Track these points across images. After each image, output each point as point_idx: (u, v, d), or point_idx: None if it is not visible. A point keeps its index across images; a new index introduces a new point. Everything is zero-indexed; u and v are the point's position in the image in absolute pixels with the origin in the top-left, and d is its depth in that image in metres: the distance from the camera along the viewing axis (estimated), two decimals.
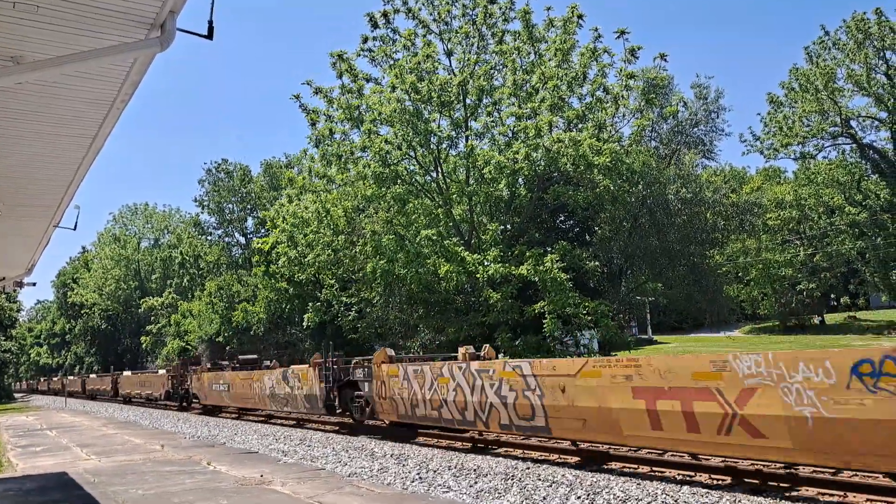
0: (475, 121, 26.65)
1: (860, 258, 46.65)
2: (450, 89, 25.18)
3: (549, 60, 25.37)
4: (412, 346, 28.66)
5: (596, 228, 29.65)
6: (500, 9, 26.01)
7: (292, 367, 19.34)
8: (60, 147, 7.49)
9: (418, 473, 9.80)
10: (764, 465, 8.34)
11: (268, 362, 24.95)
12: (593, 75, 24.98)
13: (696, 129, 46.02)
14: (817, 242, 47.74)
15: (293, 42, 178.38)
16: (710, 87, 47.25)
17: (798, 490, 7.72)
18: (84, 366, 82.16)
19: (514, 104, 25.48)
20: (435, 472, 9.90)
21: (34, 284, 16.77)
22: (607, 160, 22.93)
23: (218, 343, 48.33)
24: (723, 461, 8.68)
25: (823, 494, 7.50)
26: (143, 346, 70.49)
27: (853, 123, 43.67)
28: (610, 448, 10.19)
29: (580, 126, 25.17)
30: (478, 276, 23.21)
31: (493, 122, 26.30)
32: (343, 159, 26.09)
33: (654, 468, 9.38)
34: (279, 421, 20.64)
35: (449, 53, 26.80)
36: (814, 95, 42.05)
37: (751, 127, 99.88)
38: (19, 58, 5.44)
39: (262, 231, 49.47)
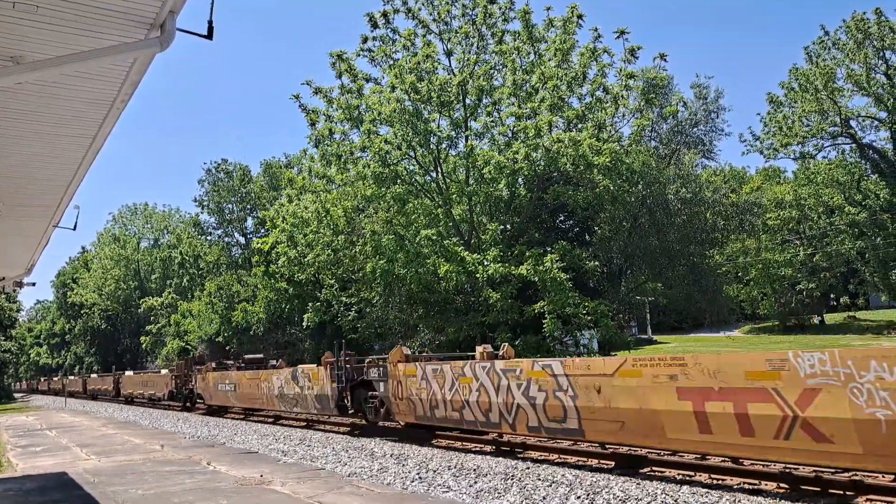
0: (475, 121, 26.66)
1: (860, 258, 46.66)
2: (449, 89, 25.19)
3: (549, 60, 25.38)
4: (412, 346, 28.66)
5: (596, 228, 29.66)
6: (500, 9, 26.02)
7: (302, 366, 18.85)
8: (60, 147, 7.49)
9: (418, 473, 9.80)
10: (824, 472, 7.83)
11: (274, 362, 24.44)
12: (593, 75, 25.01)
13: (695, 129, 46.02)
14: (817, 242, 47.76)
15: (293, 42, 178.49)
16: (710, 86, 47.28)
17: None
18: (84, 366, 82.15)
19: (513, 104, 25.48)
20: (435, 471, 9.90)
21: (34, 284, 16.80)
22: (607, 160, 22.94)
23: (217, 343, 48.35)
24: (784, 468, 8.05)
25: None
26: (143, 346, 70.51)
27: (853, 123, 43.71)
28: (648, 452, 9.74)
29: (580, 126, 25.17)
30: (477, 276, 23.22)
31: (492, 122, 26.30)
32: (343, 159, 26.10)
33: (654, 468, 9.38)
34: (288, 422, 20.08)
35: (448, 53, 26.81)
36: (813, 95, 42.07)
37: (750, 127, 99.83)
38: (19, 58, 5.44)
39: (262, 231, 49.48)
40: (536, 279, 22.31)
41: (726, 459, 8.56)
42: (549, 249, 24.11)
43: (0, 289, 17.16)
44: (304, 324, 33.59)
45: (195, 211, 79.11)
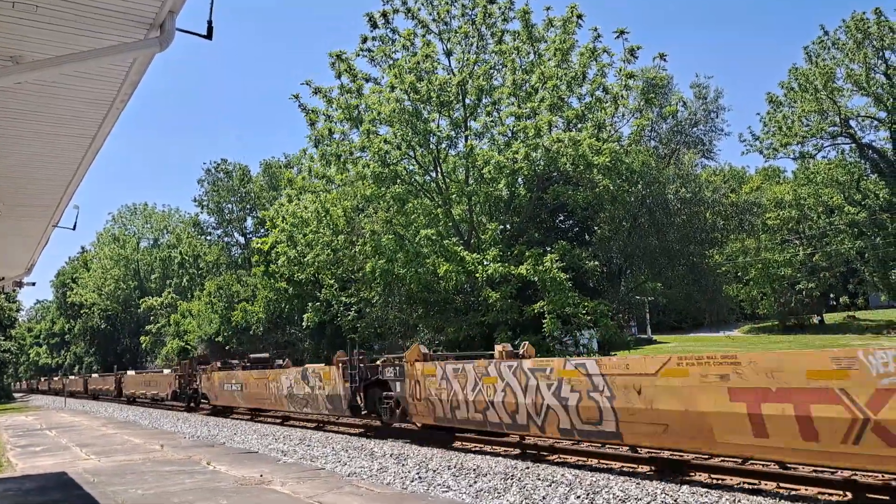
0: (475, 121, 26.67)
1: (859, 258, 46.69)
2: (449, 89, 25.19)
3: (549, 60, 25.38)
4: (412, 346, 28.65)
5: (595, 228, 29.67)
6: (500, 8, 26.02)
7: (312, 365, 18.43)
8: (60, 147, 7.49)
9: (418, 473, 9.80)
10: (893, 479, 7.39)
11: (280, 361, 24.20)
12: (593, 75, 25.01)
13: (695, 128, 46.03)
14: (816, 242, 47.77)
15: (292, 42, 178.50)
16: (710, 86, 47.30)
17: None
18: (83, 366, 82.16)
19: (513, 104, 25.49)
20: (434, 471, 9.90)
21: (33, 284, 16.82)
22: (607, 160, 22.95)
23: (217, 343, 48.35)
24: (853, 474, 7.63)
25: None
26: (143, 346, 70.53)
27: (852, 123, 43.72)
28: (692, 457, 9.15)
29: (580, 126, 25.18)
30: (477, 275, 23.22)
31: (492, 121, 26.30)
32: (342, 159, 26.10)
33: (654, 467, 9.36)
34: (300, 423, 19.63)
35: (448, 53, 26.81)
36: (813, 95, 42.08)
37: (750, 127, 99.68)
38: (18, 58, 5.44)
39: (262, 231, 49.50)
40: (536, 279, 22.31)
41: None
42: (548, 249, 24.11)
43: (0, 288, 17.16)
44: (304, 324, 33.59)
45: (195, 211, 79.36)
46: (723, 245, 33.81)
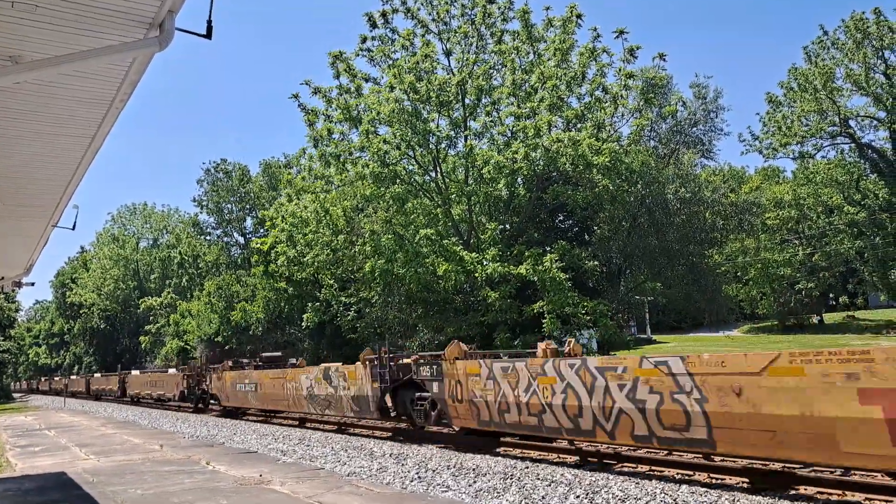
0: (474, 120, 26.68)
1: (859, 258, 46.71)
2: (448, 89, 25.20)
3: (548, 60, 25.40)
4: (411, 346, 28.67)
5: (595, 228, 29.69)
6: (499, 8, 26.04)
7: (335, 364, 17.47)
8: (59, 147, 7.49)
9: (417, 473, 9.80)
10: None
11: (293, 360, 23.44)
12: (592, 75, 25.05)
13: (694, 128, 46.10)
14: (816, 242, 47.78)
15: (292, 44, 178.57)
16: (709, 86, 47.42)
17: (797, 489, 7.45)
18: (83, 366, 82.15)
19: (512, 104, 25.50)
20: (434, 471, 9.90)
21: (33, 284, 16.79)
22: (606, 160, 22.97)
23: (217, 343, 48.32)
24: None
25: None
26: (142, 346, 70.53)
27: (852, 123, 43.74)
28: (799, 468, 8.13)
29: (579, 126, 25.21)
30: (476, 275, 23.23)
31: (492, 121, 26.33)
32: (342, 159, 26.11)
33: (654, 467, 9.36)
34: (321, 426, 18.71)
35: (448, 53, 26.83)
36: (812, 95, 42.09)
37: (750, 126, 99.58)
38: (18, 57, 5.44)
39: (261, 231, 49.54)
40: (535, 279, 22.33)
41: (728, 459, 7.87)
42: (548, 249, 24.14)
43: None
44: (304, 324, 33.60)
45: (194, 211, 79.38)
46: (722, 245, 33.86)
